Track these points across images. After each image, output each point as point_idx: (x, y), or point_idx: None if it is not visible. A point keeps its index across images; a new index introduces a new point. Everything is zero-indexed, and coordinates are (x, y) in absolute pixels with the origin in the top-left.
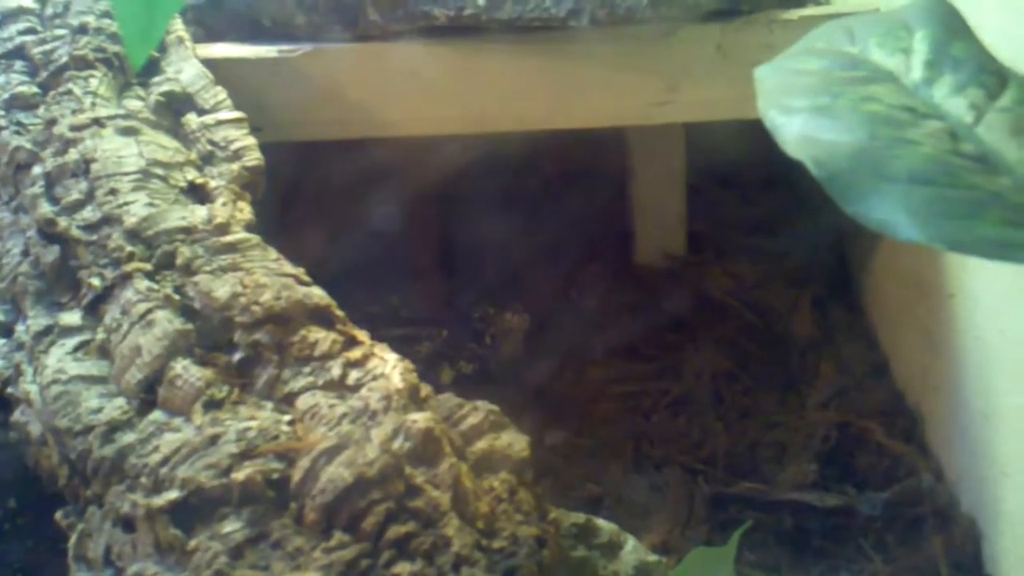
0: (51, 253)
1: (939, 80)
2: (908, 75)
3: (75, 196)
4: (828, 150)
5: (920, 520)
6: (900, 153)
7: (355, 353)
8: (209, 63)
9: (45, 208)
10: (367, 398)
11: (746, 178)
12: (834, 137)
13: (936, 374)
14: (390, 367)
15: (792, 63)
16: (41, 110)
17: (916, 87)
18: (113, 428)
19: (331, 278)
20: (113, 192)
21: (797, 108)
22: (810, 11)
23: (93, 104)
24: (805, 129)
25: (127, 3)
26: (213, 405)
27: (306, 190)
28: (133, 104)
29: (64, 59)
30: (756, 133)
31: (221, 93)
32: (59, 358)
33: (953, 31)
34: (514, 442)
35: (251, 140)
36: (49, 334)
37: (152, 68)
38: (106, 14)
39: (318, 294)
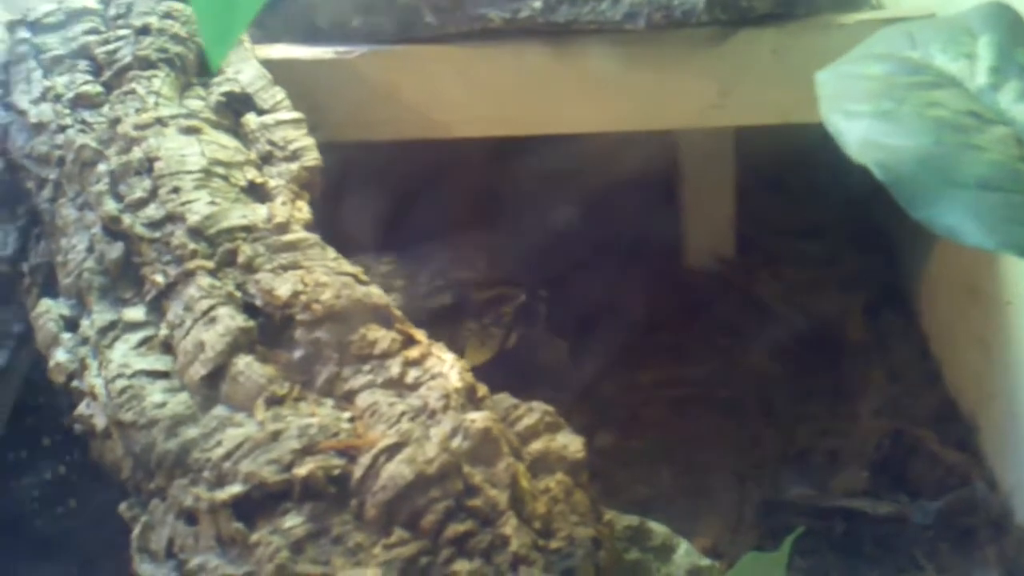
0: (115, 250)
1: (1004, 86)
2: (972, 80)
3: (139, 194)
4: (894, 155)
5: (974, 530)
6: (966, 159)
7: (413, 352)
8: (268, 64)
9: (110, 205)
10: (426, 397)
11: (795, 181)
12: (899, 142)
13: (991, 382)
14: (448, 366)
15: (854, 68)
16: (105, 109)
17: (981, 92)
18: (177, 422)
19: None
20: (176, 190)
21: (860, 113)
22: (866, 15)
23: (156, 103)
24: (869, 134)
25: (207, 4)
26: (275, 401)
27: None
28: (194, 104)
29: (127, 59)
30: (807, 136)
31: (280, 93)
32: (123, 353)
33: (1018, 37)
34: (569, 443)
35: (309, 140)
36: (113, 329)
37: None
38: (168, 15)
39: (377, 293)
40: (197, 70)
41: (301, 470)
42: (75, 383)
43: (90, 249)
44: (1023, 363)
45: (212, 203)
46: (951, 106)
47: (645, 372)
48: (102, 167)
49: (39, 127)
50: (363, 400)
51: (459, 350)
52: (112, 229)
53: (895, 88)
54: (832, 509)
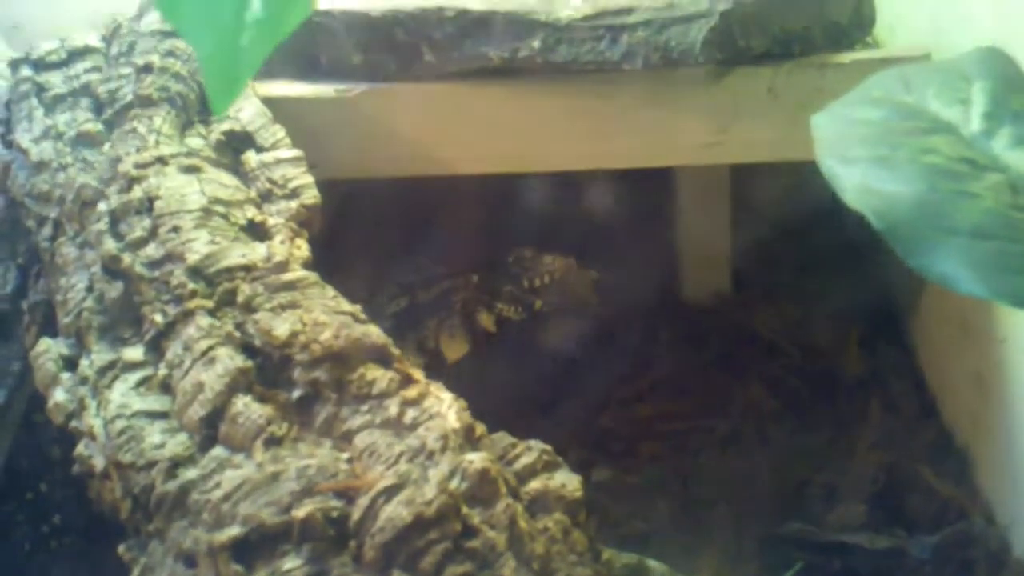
0: (115, 289)
1: (998, 132)
2: (967, 127)
3: (139, 233)
4: (889, 202)
5: (971, 564)
6: (961, 206)
7: (411, 392)
8: (268, 101)
9: (109, 244)
10: (424, 437)
11: (792, 217)
12: (894, 188)
13: (987, 417)
14: (446, 406)
15: (849, 112)
16: (106, 147)
17: (975, 139)
18: (176, 463)
19: None
20: (176, 229)
21: (856, 158)
22: (861, 55)
23: (157, 142)
24: (865, 180)
25: (213, 57)
26: (273, 442)
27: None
28: (195, 142)
29: (129, 97)
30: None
31: (280, 131)
32: (122, 393)
33: (1012, 83)
34: (567, 482)
35: (308, 178)
36: (112, 369)
37: None
38: (170, 53)
39: (375, 332)
40: (198, 108)
41: (300, 512)
42: (74, 423)
43: (90, 288)
44: (1018, 399)
45: (212, 242)
46: (946, 152)
47: (643, 406)
48: (102, 206)
49: (40, 165)
50: (361, 440)
51: (432, 350)
52: (112, 268)
53: (890, 133)
54: (830, 543)
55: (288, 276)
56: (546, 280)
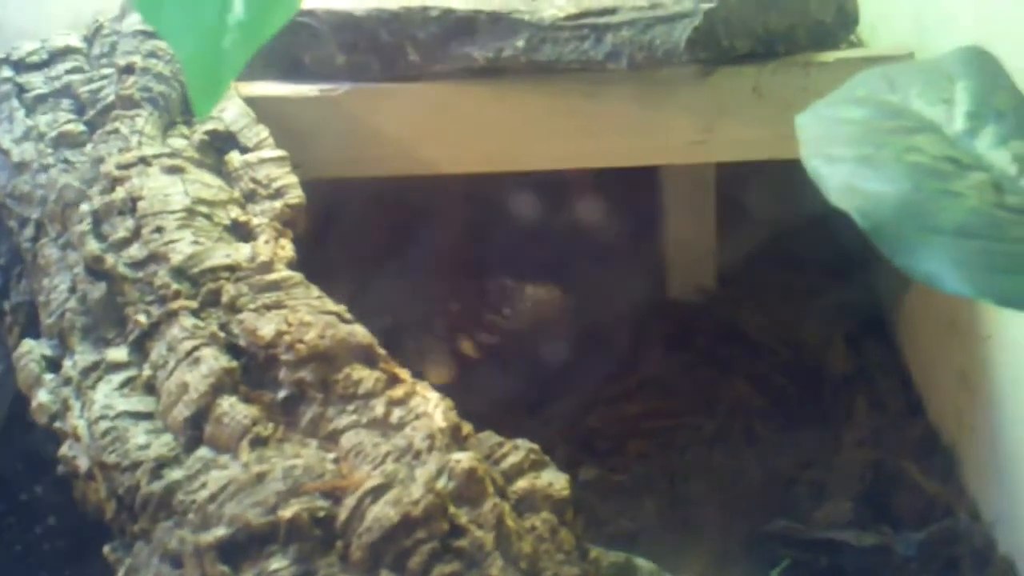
0: (98, 290)
1: (982, 131)
2: (950, 126)
3: (122, 233)
4: (873, 201)
5: (957, 561)
6: (945, 205)
7: (397, 391)
8: (251, 101)
9: (92, 245)
10: (411, 437)
11: (777, 215)
12: (879, 188)
13: (972, 414)
14: (432, 406)
15: (833, 111)
16: (88, 148)
17: (958, 138)
18: (161, 464)
19: None
20: (159, 230)
21: (840, 157)
22: (845, 54)
23: (139, 143)
24: (850, 179)
25: (195, 59)
26: (259, 442)
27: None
28: (178, 143)
29: (111, 98)
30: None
31: (263, 131)
32: (106, 394)
33: (994, 82)
34: (554, 481)
35: (292, 178)
36: (96, 370)
37: None
38: (152, 54)
39: (361, 332)
40: (181, 109)
41: (286, 512)
42: (57, 424)
43: (72, 289)
44: (1003, 396)
45: (195, 242)
46: (930, 151)
47: (629, 405)
48: (85, 207)
49: (21, 166)
50: (348, 440)
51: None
52: (95, 269)
53: (875, 133)
54: (817, 541)
55: (273, 276)
56: (527, 307)
